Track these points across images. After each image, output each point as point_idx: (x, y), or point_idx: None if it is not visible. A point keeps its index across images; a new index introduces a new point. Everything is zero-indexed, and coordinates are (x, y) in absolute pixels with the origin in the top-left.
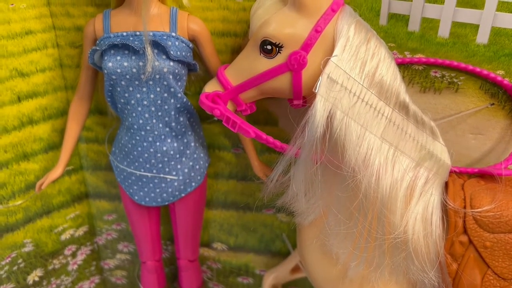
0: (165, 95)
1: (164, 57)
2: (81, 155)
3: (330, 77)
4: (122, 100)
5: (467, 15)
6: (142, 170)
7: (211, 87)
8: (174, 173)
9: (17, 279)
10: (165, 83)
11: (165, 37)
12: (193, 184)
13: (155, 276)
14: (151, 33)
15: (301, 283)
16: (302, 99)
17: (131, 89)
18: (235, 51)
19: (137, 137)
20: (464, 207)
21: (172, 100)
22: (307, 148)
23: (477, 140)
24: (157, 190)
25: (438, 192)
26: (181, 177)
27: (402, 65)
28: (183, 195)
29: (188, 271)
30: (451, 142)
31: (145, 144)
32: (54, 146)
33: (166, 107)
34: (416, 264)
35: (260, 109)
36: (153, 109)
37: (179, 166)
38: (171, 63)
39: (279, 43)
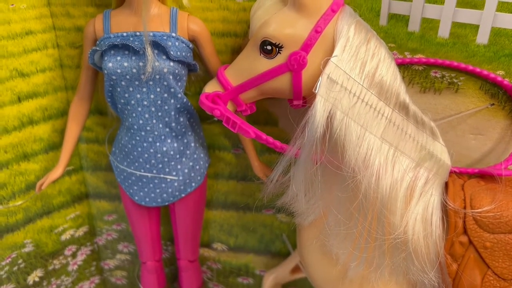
0: (165, 95)
1: (164, 57)
2: (81, 156)
3: (330, 77)
4: (122, 101)
5: (467, 16)
6: (142, 170)
7: (211, 87)
8: (174, 173)
9: (17, 280)
10: (165, 83)
11: (165, 38)
12: (193, 184)
13: (155, 276)
14: (151, 34)
15: (301, 284)
16: (302, 99)
17: (131, 89)
18: (235, 52)
19: (137, 138)
20: (464, 208)
21: (172, 101)
22: (307, 148)
23: (477, 141)
24: (157, 191)
25: (438, 192)
26: (181, 178)
27: (402, 66)
28: (183, 195)
29: (188, 271)
30: (451, 143)
31: (145, 144)
32: (54, 146)
33: (166, 107)
34: (416, 265)
35: (260, 110)
36: (153, 109)
37: (179, 167)
38: (171, 64)
39: (279, 44)
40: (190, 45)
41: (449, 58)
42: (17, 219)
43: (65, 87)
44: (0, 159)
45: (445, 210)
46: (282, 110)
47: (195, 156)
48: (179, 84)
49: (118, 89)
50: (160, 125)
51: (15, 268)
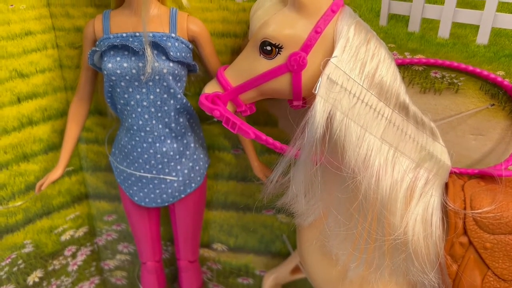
0: (165, 96)
1: (163, 58)
2: (81, 156)
3: (330, 78)
4: (121, 101)
5: (467, 16)
6: (142, 171)
7: (210, 88)
8: (173, 174)
9: (17, 280)
10: (164, 84)
11: (164, 38)
12: (193, 185)
13: (155, 276)
14: (150, 34)
15: (301, 284)
16: (302, 100)
17: (130, 90)
18: (235, 52)
19: (137, 138)
20: (464, 208)
21: (171, 101)
22: (307, 149)
23: (477, 141)
24: (157, 191)
25: (438, 193)
26: (180, 178)
27: (402, 66)
28: (182, 196)
29: (188, 272)
30: (451, 143)
31: (144, 145)
32: (54, 147)
33: (165, 108)
34: (416, 265)
35: (260, 110)
36: (152, 110)
37: (178, 167)
38: (171, 64)
39: (278, 44)
40: (190, 46)
41: (449, 58)
42: (16, 219)
43: (65, 87)
44: None
45: (445, 211)
46: (282, 110)
47: (195, 156)
48: (179, 84)
49: (118, 90)
50: (160, 126)
51: (15, 269)
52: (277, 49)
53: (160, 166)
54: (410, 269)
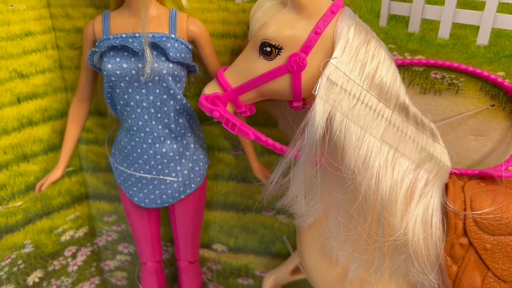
0: (165, 96)
1: (163, 58)
2: (81, 157)
3: (330, 79)
4: (121, 102)
5: (467, 17)
6: (142, 171)
7: (210, 89)
8: (173, 174)
9: (17, 280)
10: (164, 84)
11: (164, 39)
12: (193, 185)
13: (155, 277)
14: (150, 35)
15: (301, 285)
16: (302, 101)
17: (130, 90)
18: (235, 53)
19: (137, 139)
20: (464, 209)
21: (171, 102)
22: (306, 150)
23: (478, 142)
24: (157, 192)
25: (438, 194)
26: (180, 179)
27: (402, 67)
28: (182, 196)
29: (188, 272)
30: (451, 144)
31: (144, 145)
32: (54, 147)
33: (165, 108)
34: (416, 266)
35: (260, 111)
36: (152, 110)
37: (178, 168)
38: (171, 65)
39: (278, 45)
40: (190, 46)
41: (449, 59)
42: (16, 220)
43: (65, 88)
44: None
45: (445, 212)
46: (281, 111)
47: (195, 157)
48: (179, 85)
49: (117, 91)
50: (160, 127)
51: (15, 269)
52: (276, 50)
53: (160, 167)
54: (410, 270)
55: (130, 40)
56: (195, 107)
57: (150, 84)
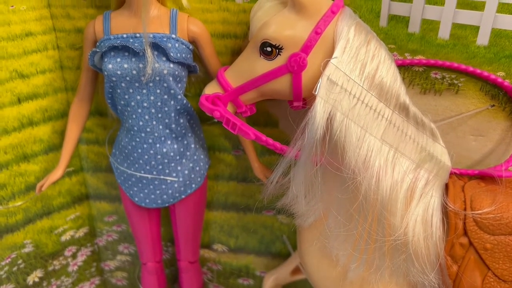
0: (165, 97)
1: (164, 59)
2: (81, 157)
3: (330, 79)
4: (122, 102)
5: (467, 17)
6: (142, 171)
7: (211, 89)
8: (174, 174)
9: (17, 280)
10: (165, 85)
11: (165, 39)
12: (193, 185)
13: (156, 277)
14: (151, 35)
15: (301, 285)
16: (302, 101)
17: (131, 91)
18: (235, 53)
19: (137, 139)
20: (465, 209)
21: (172, 102)
22: (307, 150)
23: (478, 142)
24: (157, 192)
25: (439, 194)
26: (181, 179)
27: (402, 67)
28: (183, 196)
29: (189, 272)
30: (451, 144)
31: (145, 145)
32: (54, 147)
33: (166, 108)
34: (416, 266)
35: (260, 111)
36: (153, 111)
37: (179, 168)
38: (171, 65)
39: (279, 45)
40: (190, 47)
41: (450, 59)
42: (17, 219)
43: (65, 88)
44: (0, 160)
45: (445, 212)
46: (282, 111)
47: (195, 157)
48: (179, 85)
49: (118, 91)
50: (160, 127)
51: (15, 268)
52: (277, 50)
53: (160, 167)
54: (411, 269)
55: (131, 40)
56: (196, 107)
57: (151, 84)
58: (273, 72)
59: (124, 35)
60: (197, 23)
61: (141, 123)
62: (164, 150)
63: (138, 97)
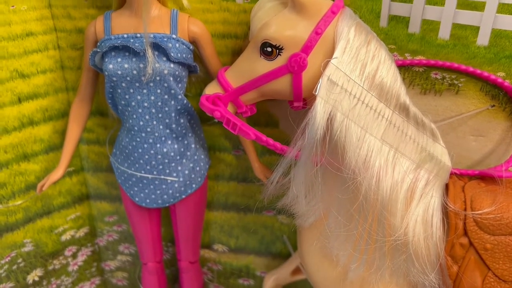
0: (166, 97)
1: (164, 59)
2: (82, 157)
3: (330, 79)
4: (122, 102)
5: (467, 17)
6: (143, 171)
7: (211, 89)
8: (174, 174)
9: (17, 279)
10: (165, 85)
11: (165, 39)
12: (194, 185)
13: (156, 277)
14: (151, 35)
15: (301, 285)
16: (303, 101)
17: (131, 91)
18: (236, 53)
19: (138, 139)
20: (465, 209)
21: (172, 102)
22: (307, 150)
23: (478, 142)
24: (158, 192)
25: (439, 194)
26: (181, 179)
27: (403, 67)
28: (183, 196)
29: (189, 272)
30: (451, 144)
31: (145, 145)
32: (55, 147)
33: (166, 108)
34: (416, 266)
35: (261, 111)
36: (153, 110)
37: (179, 168)
38: (172, 65)
39: (279, 45)
40: (191, 47)
41: (450, 59)
42: (17, 218)
43: (66, 88)
44: (0, 159)
45: (445, 212)
46: (282, 111)
47: (196, 157)
48: (180, 85)
49: (119, 91)
50: (161, 127)
51: (15, 267)
52: (277, 50)
53: (161, 167)
54: (411, 270)
55: (132, 40)
56: (196, 107)
57: (151, 84)
58: (274, 72)
59: (125, 35)
60: (197, 23)
61: (141, 123)
62: (165, 150)
63: (139, 97)
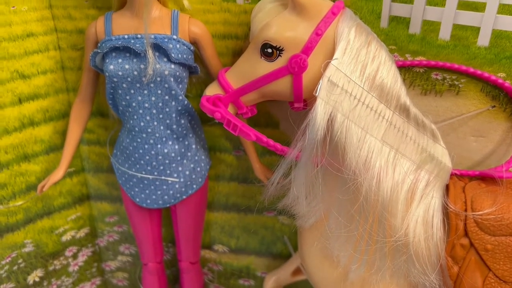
0: (166, 97)
1: (165, 59)
2: (82, 157)
3: (331, 80)
4: (123, 103)
5: (468, 18)
6: (144, 172)
7: (212, 90)
8: (175, 175)
9: (17, 279)
10: (166, 85)
11: (166, 40)
12: (194, 186)
13: (157, 278)
14: (152, 36)
15: (302, 286)
16: (303, 102)
17: (132, 91)
18: (236, 54)
19: (138, 140)
20: (465, 210)
21: (173, 103)
22: (307, 151)
23: (478, 143)
24: (159, 192)
25: (439, 195)
26: (182, 180)
27: (403, 68)
28: (184, 197)
29: (190, 273)
30: (452, 145)
31: (146, 146)
32: (55, 148)
33: (167, 109)
34: (417, 267)
35: (261, 112)
36: (154, 111)
37: (180, 169)
38: (172, 66)
39: (279, 46)
40: (191, 47)
41: (450, 60)
42: (17, 219)
43: (67, 89)
44: (0, 160)
45: (446, 213)
46: (283, 112)
47: (196, 158)
48: (180, 86)
49: (119, 91)
50: (161, 127)
51: (15, 268)
52: (278, 52)
53: (161, 168)
54: (411, 270)
55: (132, 41)
56: (197, 108)
57: (152, 85)
58: (274, 73)
59: (126, 36)
60: (198, 24)
61: (142, 124)
62: (165, 151)
63: (139, 98)
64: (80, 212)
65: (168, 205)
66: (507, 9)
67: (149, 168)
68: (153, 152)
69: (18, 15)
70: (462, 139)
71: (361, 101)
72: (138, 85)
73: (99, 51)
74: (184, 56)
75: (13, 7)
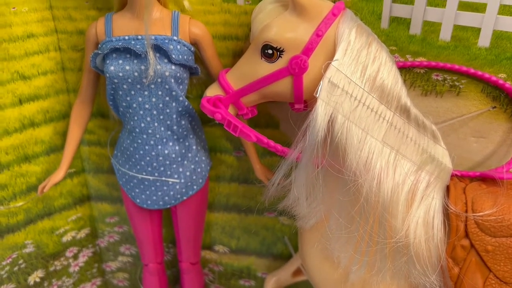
0: (167, 98)
1: (165, 60)
2: (83, 158)
3: (331, 81)
4: (124, 104)
5: (468, 19)
6: (144, 173)
7: (212, 91)
8: (176, 176)
9: (18, 280)
10: (166, 86)
11: (166, 41)
12: (195, 187)
13: (157, 278)
14: (153, 37)
15: (303, 286)
16: (303, 103)
17: (133, 92)
18: (237, 55)
19: (139, 141)
20: (466, 211)
21: (173, 104)
22: (308, 152)
23: (479, 144)
24: (159, 193)
25: (440, 196)
26: (182, 180)
27: (404, 69)
28: (184, 198)
29: (190, 273)
30: (452, 146)
31: (146, 147)
32: (56, 148)
33: (167, 110)
34: (417, 268)
35: (262, 113)
36: (154, 112)
37: (180, 169)
38: (173, 67)
39: (280, 48)
40: (192, 48)
41: (451, 61)
42: (18, 219)
43: (67, 90)
44: (1, 161)
45: (446, 214)
46: (283, 113)
47: (197, 159)
48: (181, 87)
49: (120, 92)
50: (162, 128)
51: (16, 268)
52: (278, 53)
53: (162, 168)
54: (412, 271)
55: (133, 42)
56: (197, 109)
57: (152, 86)
58: (274, 74)
59: (126, 37)
60: (198, 25)
61: (142, 124)
62: (166, 151)
63: (140, 99)
64: (81, 213)
65: (168, 206)
66: (507, 10)
67: (149, 169)
68: (153, 153)
69: (18, 16)
70: (462, 140)
71: (361, 102)
72: (138, 86)
73: (99, 52)
74: (185, 57)
75: (14, 8)
